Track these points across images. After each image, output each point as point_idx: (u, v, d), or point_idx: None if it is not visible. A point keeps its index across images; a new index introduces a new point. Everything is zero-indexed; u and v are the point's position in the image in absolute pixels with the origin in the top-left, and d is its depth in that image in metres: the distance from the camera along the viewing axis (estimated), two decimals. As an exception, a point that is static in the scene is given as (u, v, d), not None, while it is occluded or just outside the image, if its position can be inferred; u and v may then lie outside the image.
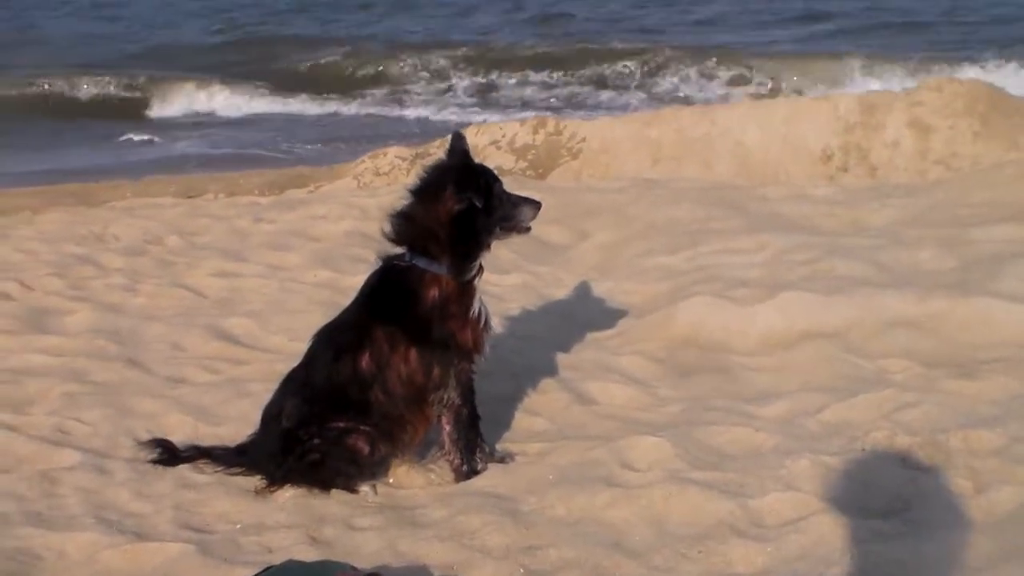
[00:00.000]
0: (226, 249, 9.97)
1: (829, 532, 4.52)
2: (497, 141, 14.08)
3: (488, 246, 5.21)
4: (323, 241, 10.13)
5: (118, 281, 8.94)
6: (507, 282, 8.68)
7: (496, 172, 5.38)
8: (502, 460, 5.49)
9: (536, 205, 5.33)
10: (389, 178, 13.08)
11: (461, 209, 5.01)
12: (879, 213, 9.86)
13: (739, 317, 7.20)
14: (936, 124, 12.11)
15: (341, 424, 5.16)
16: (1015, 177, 9.88)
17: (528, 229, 5.35)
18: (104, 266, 9.45)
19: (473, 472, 5.32)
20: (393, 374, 5.16)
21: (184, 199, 13.05)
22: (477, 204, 5.03)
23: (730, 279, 7.98)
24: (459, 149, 5.22)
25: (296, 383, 5.34)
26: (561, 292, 8.34)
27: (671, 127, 13.28)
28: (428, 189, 5.12)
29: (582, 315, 7.77)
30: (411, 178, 5.31)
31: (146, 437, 5.67)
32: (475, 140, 13.94)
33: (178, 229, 10.77)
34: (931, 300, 6.94)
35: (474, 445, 5.41)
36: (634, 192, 11.49)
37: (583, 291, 8.22)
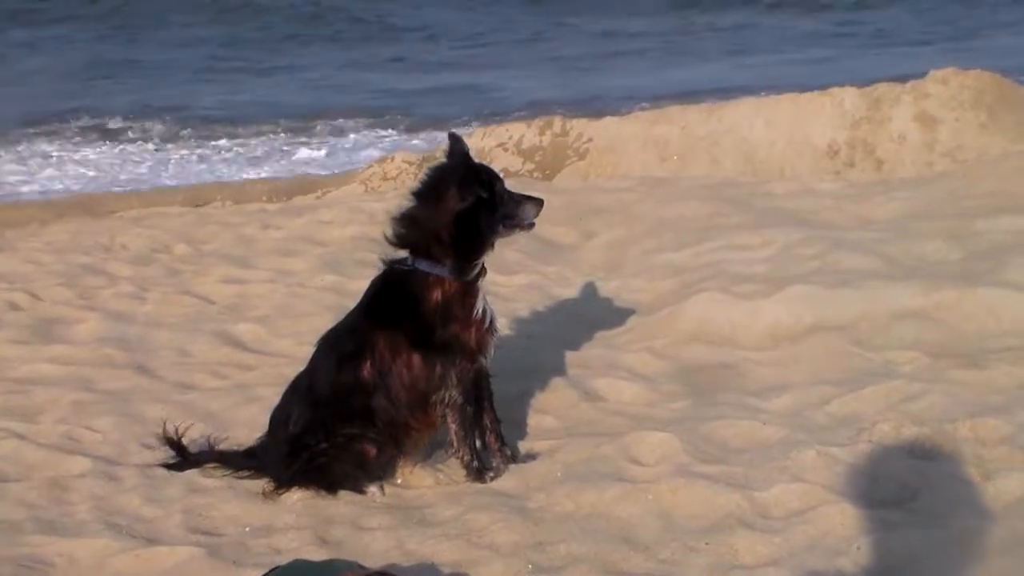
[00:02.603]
0: (233, 256, 9.99)
1: (836, 522, 4.53)
2: (504, 143, 14.06)
3: (492, 245, 5.22)
4: (330, 246, 10.15)
5: (126, 290, 8.96)
6: (514, 282, 8.68)
7: (501, 173, 5.40)
8: (524, 461, 5.50)
9: (538, 203, 5.34)
10: (396, 183, 13.05)
11: (465, 208, 5.02)
12: (885, 206, 9.84)
13: (745, 312, 7.19)
14: (942, 116, 12.06)
15: (347, 431, 5.18)
16: (1021, 168, 9.86)
17: (531, 226, 5.35)
18: (112, 275, 9.47)
19: (485, 469, 5.33)
20: (396, 381, 5.17)
21: (191, 207, 13.07)
22: (480, 202, 5.04)
23: (736, 275, 7.97)
24: (459, 151, 5.23)
25: (302, 389, 5.36)
26: (568, 291, 8.34)
27: (677, 125, 13.24)
28: (431, 191, 5.13)
29: (589, 313, 7.77)
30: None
31: (157, 440, 5.68)
32: (482, 143, 13.93)
33: (185, 237, 10.78)
34: (938, 291, 6.92)
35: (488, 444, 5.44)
36: (641, 191, 11.48)
37: (590, 290, 8.22)
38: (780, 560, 4.32)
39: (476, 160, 5.37)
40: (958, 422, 5.24)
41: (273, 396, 5.63)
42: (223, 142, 19.77)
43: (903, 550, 4.30)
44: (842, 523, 4.52)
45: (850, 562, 4.24)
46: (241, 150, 19.22)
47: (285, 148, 19.33)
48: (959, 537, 4.32)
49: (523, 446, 5.69)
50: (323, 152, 18.86)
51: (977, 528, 4.37)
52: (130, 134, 20.58)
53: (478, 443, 5.39)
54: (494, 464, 5.39)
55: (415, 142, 18.27)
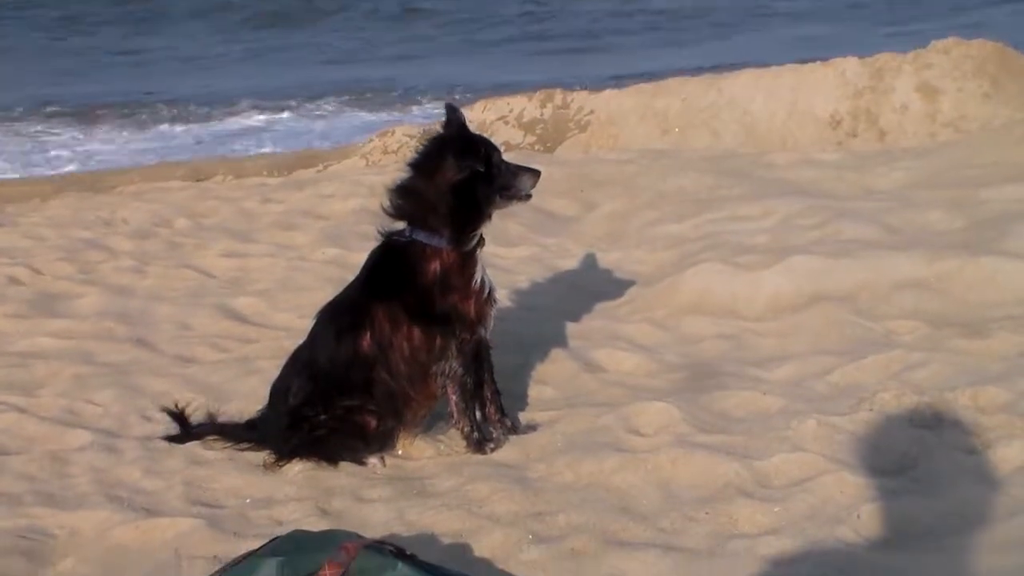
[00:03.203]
0: (234, 230, 9.98)
1: (836, 491, 4.52)
2: (504, 116, 14.03)
3: (489, 216, 5.19)
4: (331, 219, 10.14)
5: (127, 264, 8.96)
6: (515, 254, 8.68)
7: (502, 146, 5.37)
8: (524, 432, 5.50)
9: (535, 173, 5.32)
10: (397, 156, 13.01)
11: (462, 179, 5.00)
12: (888, 176, 9.82)
13: (746, 283, 7.18)
14: (945, 87, 12.03)
15: (347, 403, 5.18)
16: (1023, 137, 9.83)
17: (528, 197, 5.33)
18: (113, 249, 9.46)
19: (485, 440, 5.32)
20: (396, 354, 5.16)
21: (192, 182, 13.05)
22: (479, 170, 5.02)
23: (737, 245, 7.96)
24: (456, 121, 5.21)
25: (302, 362, 5.36)
26: (569, 263, 8.33)
27: (678, 97, 13.21)
28: (428, 161, 5.11)
29: (590, 285, 7.76)
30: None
31: (157, 413, 5.69)
32: (483, 116, 13.91)
33: (186, 211, 10.77)
34: (940, 261, 6.91)
35: (488, 415, 5.45)
36: (642, 163, 11.47)
37: (591, 261, 8.22)
38: (780, 529, 4.31)
39: (473, 131, 5.35)
40: (959, 391, 5.22)
41: (273, 369, 5.63)
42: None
43: (903, 518, 4.29)
44: (842, 492, 4.52)
45: (850, 530, 4.23)
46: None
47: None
48: (959, 505, 4.32)
49: (523, 417, 5.69)
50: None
51: (978, 496, 4.36)
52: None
53: (478, 414, 5.38)
54: (494, 435, 5.39)
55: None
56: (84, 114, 20.87)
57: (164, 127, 20.19)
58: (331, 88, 23.06)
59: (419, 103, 21.27)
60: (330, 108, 21.68)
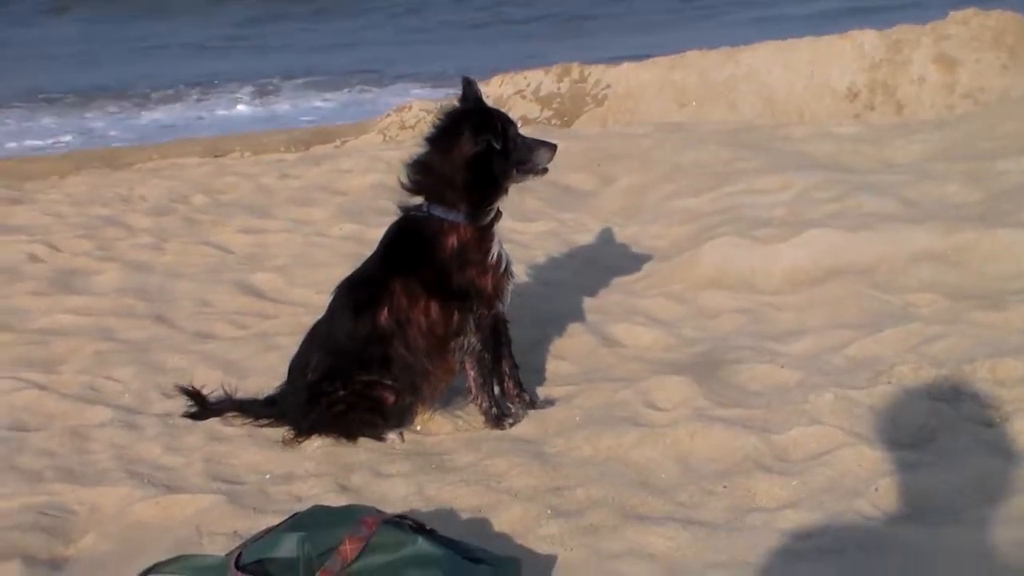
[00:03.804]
0: (252, 206, 10.01)
1: (855, 464, 4.52)
2: (522, 90, 14.04)
3: (506, 190, 5.18)
4: (349, 195, 10.16)
5: (145, 241, 9.00)
6: (532, 229, 8.68)
7: (519, 120, 5.35)
8: (542, 407, 5.50)
9: (552, 147, 5.31)
10: (415, 131, 13.03)
11: (478, 152, 4.99)
12: (905, 149, 9.79)
13: (764, 256, 7.17)
14: (963, 58, 11.99)
15: (365, 378, 5.19)
16: (1042, 108, 9.80)
17: (545, 171, 5.32)
18: (131, 226, 9.50)
19: (503, 416, 5.33)
20: (413, 328, 5.16)
21: (210, 158, 13.08)
22: (495, 146, 5.01)
23: (755, 219, 7.95)
24: (472, 95, 5.20)
25: (320, 337, 5.37)
26: (586, 238, 8.33)
27: (695, 70, 13.21)
28: (444, 135, 5.10)
29: (607, 259, 7.77)
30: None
31: (177, 389, 5.70)
32: (500, 90, 13.93)
33: (204, 188, 10.81)
34: (957, 233, 6.89)
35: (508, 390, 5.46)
36: (659, 136, 11.45)
37: (608, 236, 8.22)
38: (798, 502, 4.32)
39: (490, 104, 5.35)
40: (976, 363, 5.21)
41: (292, 345, 5.64)
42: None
43: (921, 491, 4.29)
44: (860, 465, 4.51)
45: (868, 503, 4.24)
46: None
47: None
48: (978, 478, 4.31)
49: (541, 392, 5.70)
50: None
51: (996, 469, 4.35)
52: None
53: (496, 389, 5.40)
54: (512, 410, 5.40)
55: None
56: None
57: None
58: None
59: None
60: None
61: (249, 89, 22.59)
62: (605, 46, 22.89)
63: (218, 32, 31.68)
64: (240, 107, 21.24)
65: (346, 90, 22.25)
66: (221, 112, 20.71)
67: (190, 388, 5.66)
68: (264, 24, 33.05)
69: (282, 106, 20.98)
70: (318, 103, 21.12)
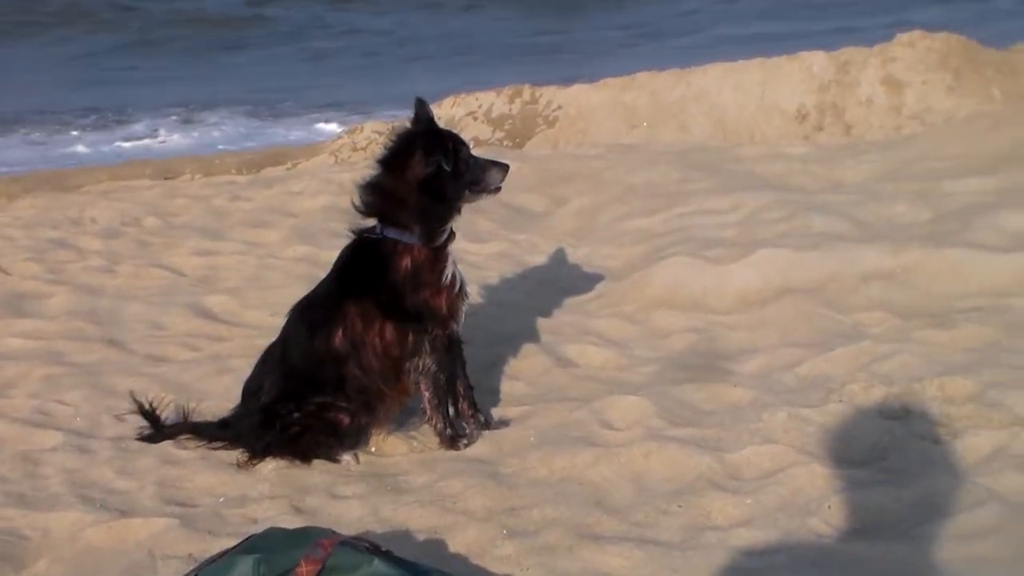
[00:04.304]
0: (204, 228, 9.96)
1: (807, 482, 4.56)
2: (473, 112, 14.07)
3: (458, 210, 5.20)
4: (301, 217, 10.13)
5: (96, 263, 8.93)
6: (485, 250, 8.70)
7: (471, 142, 5.37)
8: (497, 427, 5.52)
9: (504, 167, 5.33)
10: (366, 153, 13.03)
11: (429, 174, 5.00)
12: (854, 169, 9.89)
13: (715, 276, 7.22)
14: (910, 80, 12.13)
15: (319, 399, 5.18)
16: (987, 129, 9.92)
17: (498, 190, 5.33)
18: (81, 249, 9.42)
19: (458, 436, 5.34)
20: (368, 350, 5.16)
21: (161, 180, 13.01)
22: (445, 168, 5.03)
23: (706, 239, 8.01)
24: (423, 116, 5.22)
25: (274, 359, 5.36)
26: (539, 258, 8.35)
27: (646, 91, 13.28)
28: (395, 157, 5.11)
29: (560, 280, 7.79)
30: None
31: (129, 413, 5.65)
32: (452, 111, 13.94)
33: (155, 210, 10.73)
34: (906, 252, 6.97)
35: (462, 411, 5.47)
36: (610, 157, 11.51)
37: (560, 257, 8.24)
38: (752, 520, 4.35)
39: (441, 125, 5.37)
40: (926, 381, 5.28)
41: (246, 367, 5.62)
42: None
43: (873, 508, 4.34)
44: (813, 483, 4.56)
45: (821, 521, 4.28)
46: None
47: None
48: (928, 495, 4.36)
49: (496, 412, 5.71)
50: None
51: (946, 486, 4.40)
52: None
53: (451, 410, 5.40)
54: (467, 431, 5.41)
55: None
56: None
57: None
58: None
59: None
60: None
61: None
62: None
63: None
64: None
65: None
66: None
67: (146, 407, 5.62)
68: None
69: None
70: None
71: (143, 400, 5.64)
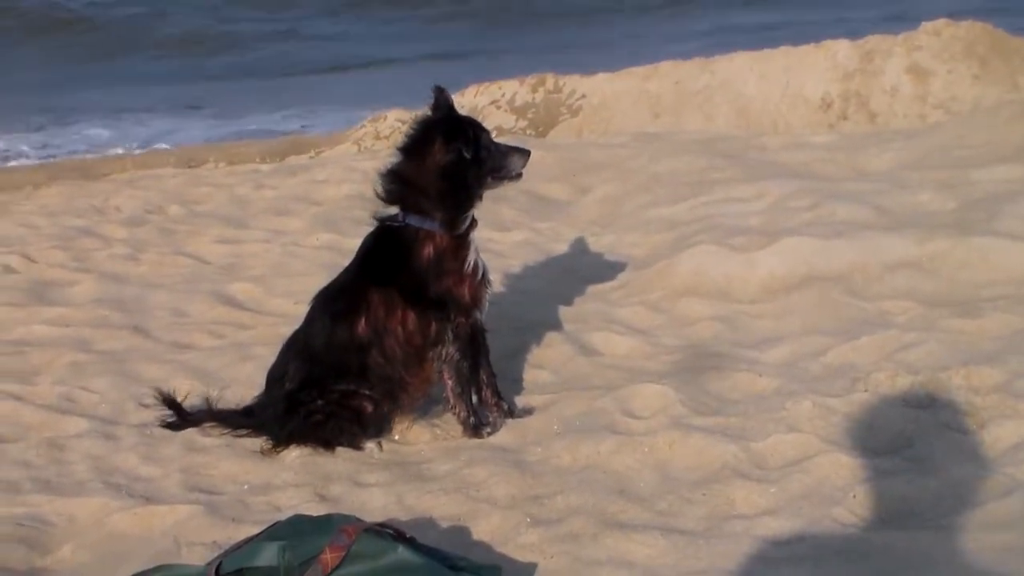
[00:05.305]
0: (228, 216, 9.99)
1: (832, 471, 4.54)
2: (496, 101, 14.06)
3: (480, 197, 5.21)
4: (324, 205, 10.15)
5: (120, 251, 8.98)
6: (509, 239, 8.69)
7: (494, 131, 5.36)
8: (521, 416, 5.51)
9: (525, 153, 5.33)
10: (390, 141, 13.03)
11: (451, 161, 5.01)
12: (879, 158, 9.83)
13: (740, 264, 7.20)
14: (935, 68, 12.05)
15: (343, 387, 5.19)
16: (1013, 118, 9.83)
17: (519, 176, 5.33)
18: (106, 237, 9.48)
19: (481, 424, 5.34)
20: (391, 338, 5.17)
21: (185, 169, 13.05)
22: (466, 154, 5.02)
23: (731, 227, 7.97)
24: (444, 103, 5.22)
25: (298, 346, 5.37)
26: (563, 247, 8.34)
27: (670, 80, 13.24)
28: (417, 145, 5.12)
29: (584, 269, 7.78)
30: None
31: (154, 400, 5.67)
32: (475, 100, 13.95)
33: (179, 198, 10.79)
34: (932, 241, 6.93)
35: (486, 399, 5.47)
36: (635, 146, 11.48)
37: (584, 245, 8.23)
38: (776, 509, 4.34)
39: (461, 112, 5.36)
40: (952, 370, 5.25)
41: (269, 354, 5.63)
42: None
43: (898, 498, 4.32)
44: (837, 472, 4.54)
45: (846, 510, 4.26)
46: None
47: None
48: (953, 484, 4.34)
49: (519, 401, 5.71)
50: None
51: (971, 475, 4.38)
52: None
53: (474, 398, 5.40)
54: (491, 419, 5.41)
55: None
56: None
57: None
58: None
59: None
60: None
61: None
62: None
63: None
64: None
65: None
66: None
67: (169, 396, 5.63)
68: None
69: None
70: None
71: (168, 389, 5.66)
